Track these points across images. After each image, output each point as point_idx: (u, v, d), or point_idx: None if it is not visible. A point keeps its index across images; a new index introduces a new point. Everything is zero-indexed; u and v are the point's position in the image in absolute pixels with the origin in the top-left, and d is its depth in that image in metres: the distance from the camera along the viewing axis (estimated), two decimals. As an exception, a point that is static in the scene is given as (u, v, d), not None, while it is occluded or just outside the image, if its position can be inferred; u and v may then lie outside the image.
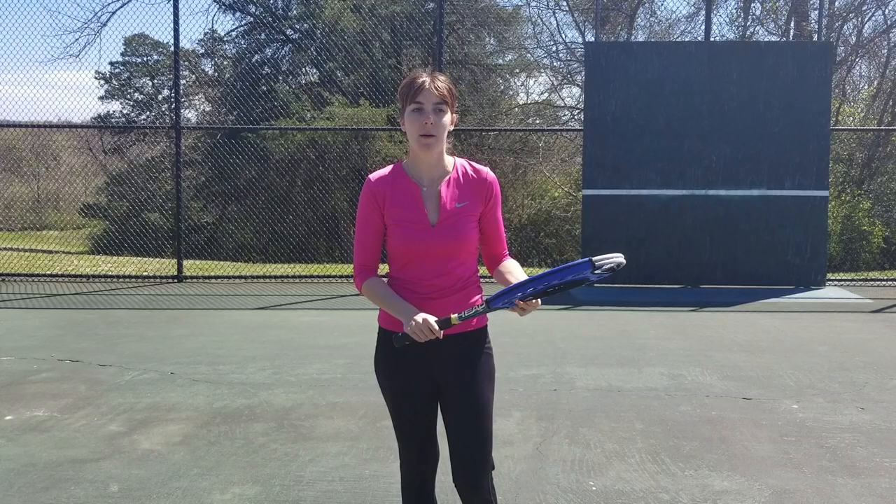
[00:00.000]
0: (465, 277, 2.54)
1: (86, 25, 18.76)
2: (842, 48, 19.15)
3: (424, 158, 2.50)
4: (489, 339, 2.62)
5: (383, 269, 2.63)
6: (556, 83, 20.80)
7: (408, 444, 2.62)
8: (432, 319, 2.33)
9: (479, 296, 2.59)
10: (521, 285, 2.31)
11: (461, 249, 2.50)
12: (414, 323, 2.32)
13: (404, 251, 2.49)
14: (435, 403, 2.61)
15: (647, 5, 20.16)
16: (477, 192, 2.54)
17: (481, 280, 2.65)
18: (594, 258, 2.25)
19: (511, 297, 2.32)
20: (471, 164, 2.59)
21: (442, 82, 2.46)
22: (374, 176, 2.56)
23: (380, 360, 2.60)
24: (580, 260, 2.25)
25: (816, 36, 11.94)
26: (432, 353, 2.50)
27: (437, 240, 2.47)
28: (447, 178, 2.54)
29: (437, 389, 2.58)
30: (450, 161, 2.57)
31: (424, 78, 2.45)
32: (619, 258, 2.29)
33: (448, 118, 2.48)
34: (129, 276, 11.11)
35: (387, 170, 2.58)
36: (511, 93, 21.33)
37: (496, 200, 2.58)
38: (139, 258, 12.94)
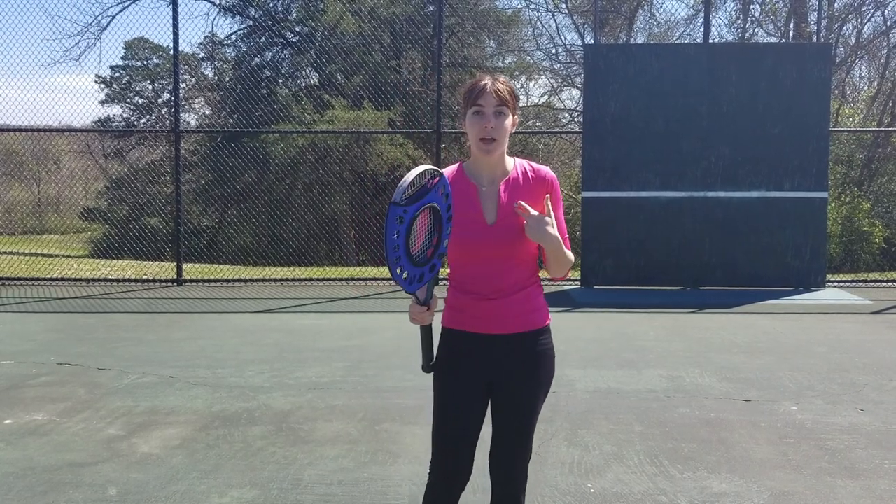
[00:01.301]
0: (524, 279, 2.53)
1: (86, 29, 18.81)
2: (841, 49, 19.16)
3: (484, 160, 2.52)
4: (550, 336, 2.62)
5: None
6: (555, 85, 20.83)
7: (443, 448, 2.57)
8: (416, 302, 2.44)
9: (541, 295, 2.61)
10: (393, 268, 2.30)
11: (519, 250, 2.49)
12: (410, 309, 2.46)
13: (461, 250, 2.50)
14: (484, 410, 2.58)
15: (646, 8, 20.18)
16: (536, 192, 2.53)
17: (543, 283, 2.64)
18: (393, 199, 2.27)
19: (410, 280, 2.34)
20: (530, 165, 2.59)
21: (503, 85, 2.48)
22: None
23: (440, 357, 2.59)
24: (388, 211, 2.27)
25: (816, 37, 11.94)
26: (492, 353, 2.52)
27: (495, 239, 2.47)
28: (507, 178, 2.54)
29: (489, 392, 2.57)
30: (510, 162, 2.58)
31: (486, 81, 2.47)
32: (412, 174, 2.29)
33: (509, 121, 2.49)
34: (129, 280, 11.12)
35: (448, 171, 2.59)
36: (511, 95, 21.34)
37: (555, 198, 2.55)
38: (139, 262, 12.95)
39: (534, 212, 2.42)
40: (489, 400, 2.59)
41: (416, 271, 2.35)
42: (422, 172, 2.32)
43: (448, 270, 2.63)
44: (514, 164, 2.58)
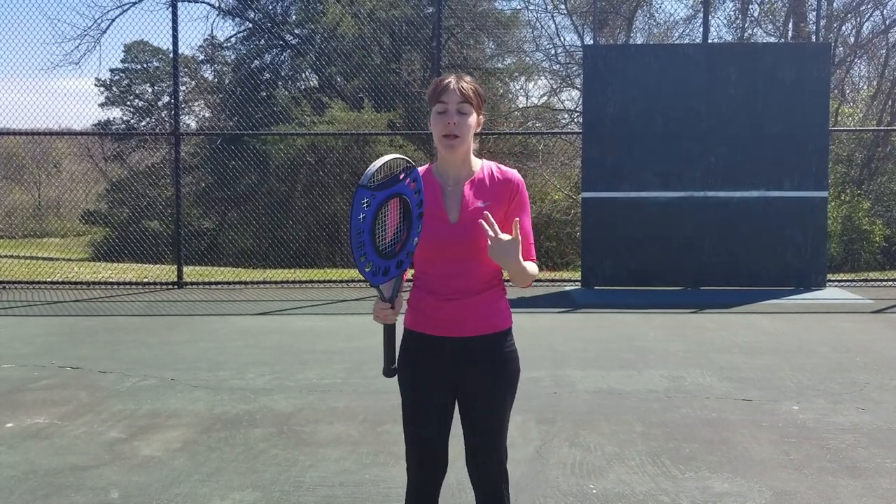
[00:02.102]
0: (486, 280, 2.53)
1: (85, 33, 18.84)
2: (840, 49, 19.16)
3: (450, 159, 2.53)
4: (513, 338, 2.61)
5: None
6: (555, 86, 20.82)
7: (416, 448, 2.60)
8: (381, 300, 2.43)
9: (504, 299, 2.60)
10: (357, 254, 2.28)
11: (481, 249, 2.49)
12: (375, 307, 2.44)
13: (423, 248, 2.49)
14: (451, 408, 2.60)
15: (645, 8, 20.18)
16: (500, 193, 2.53)
17: (506, 283, 2.64)
18: (361, 181, 2.25)
19: (374, 271, 2.32)
20: (498, 167, 2.59)
21: (467, 83, 2.49)
22: None
23: (402, 359, 2.60)
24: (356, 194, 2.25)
25: (815, 37, 11.95)
26: (454, 355, 2.53)
27: (456, 238, 2.47)
28: (472, 178, 2.55)
29: (455, 393, 2.58)
30: (477, 163, 2.58)
31: (450, 79, 2.49)
32: (381, 160, 2.29)
33: (473, 119, 2.50)
34: (130, 283, 11.12)
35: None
36: (510, 96, 21.35)
37: (521, 203, 2.54)
38: (140, 265, 12.95)
39: (502, 234, 2.36)
40: (455, 400, 2.60)
41: (381, 263, 2.33)
42: (392, 160, 2.31)
43: (412, 272, 2.63)
44: (482, 166, 2.58)
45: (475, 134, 2.54)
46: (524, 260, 2.43)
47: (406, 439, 2.62)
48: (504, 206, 2.53)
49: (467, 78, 2.51)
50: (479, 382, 2.54)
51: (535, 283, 10.87)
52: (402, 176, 2.33)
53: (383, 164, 2.28)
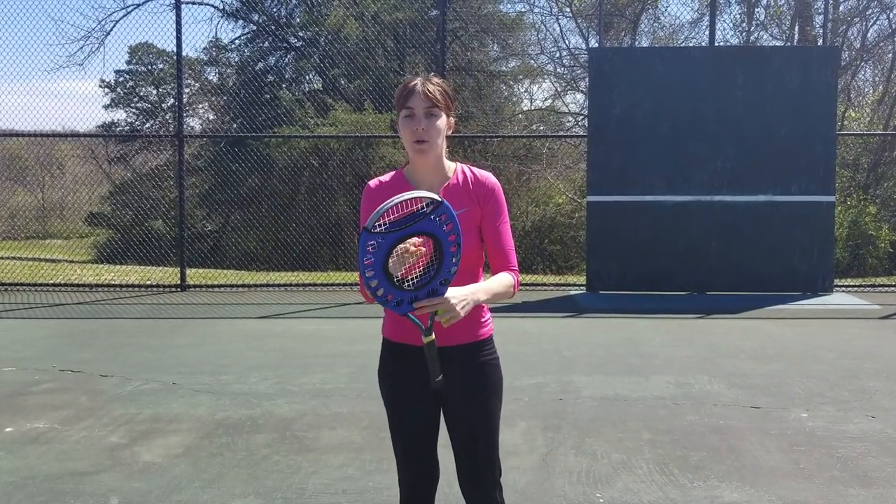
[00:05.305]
0: None
1: (90, 34, 18.78)
2: (846, 52, 19.07)
3: (421, 164, 2.45)
4: (494, 347, 2.56)
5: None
6: (559, 89, 20.77)
7: (406, 460, 2.56)
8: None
9: (484, 308, 2.52)
10: (373, 291, 2.21)
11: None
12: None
13: None
14: (437, 417, 2.55)
15: (650, 11, 20.14)
16: (475, 198, 2.46)
17: (544, 289, 2.58)
18: (366, 225, 2.17)
19: (403, 304, 2.25)
20: (471, 170, 2.52)
21: (434, 85, 2.40)
22: (372, 182, 2.53)
23: (382, 371, 2.56)
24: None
25: (821, 40, 11.89)
26: None
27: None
28: (447, 183, 2.47)
29: (440, 402, 2.53)
30: (451, 167, 2.51)
31: (416, 82, 2.41)
32: (386, 204, 2.17)
33: (442, 122, 2.42)
34: (133, 286, 11.08)
35: (387, 176, 2.54)
36: (515, 99, 21.28)
37: (496, 207, 2.46)
38: (143, 267, 12.91)
39: (436, 300, 2.26)
40: (441, 409, 2.54)
41: (403, 295, 2.24)
42: (409, 199, 2.20)
43: None
44: (455, 170, 2.51)
45: (447, 136, 2.47)
46: (500, 265, 2.46)
47: (395, 452, 2.57)
48: (479, 211, 2.46)
49: (435, 79, 2.43)
50: (462, 394, 2.48)
51: (539, 288, 10.82)
52: (428, 211, 2.22)
53: (393, 206, 2.18)
